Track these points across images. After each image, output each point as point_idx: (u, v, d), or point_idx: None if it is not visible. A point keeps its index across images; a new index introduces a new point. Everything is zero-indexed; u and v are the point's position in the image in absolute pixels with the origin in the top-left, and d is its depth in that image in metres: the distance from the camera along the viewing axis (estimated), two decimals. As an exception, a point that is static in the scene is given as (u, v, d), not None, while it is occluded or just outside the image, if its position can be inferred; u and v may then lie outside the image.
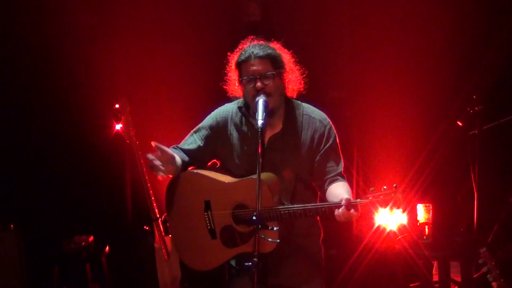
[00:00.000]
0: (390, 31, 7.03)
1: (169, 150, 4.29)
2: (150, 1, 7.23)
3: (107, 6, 7.08)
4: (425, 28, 6.93)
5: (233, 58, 4.35)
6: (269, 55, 4.24)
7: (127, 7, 7.14)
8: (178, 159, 4.32)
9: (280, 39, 4.40)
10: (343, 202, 4.00)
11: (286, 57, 4.33)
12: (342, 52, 7.24)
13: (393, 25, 7.01)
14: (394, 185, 3.99)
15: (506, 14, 6.73)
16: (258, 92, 4.20)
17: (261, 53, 4.24)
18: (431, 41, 6.92)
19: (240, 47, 4.36)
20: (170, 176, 4.38)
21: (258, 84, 4.21)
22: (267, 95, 4.21)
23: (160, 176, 4.26)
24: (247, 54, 4.25)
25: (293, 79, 4.34)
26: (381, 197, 3.99)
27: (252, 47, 4.28)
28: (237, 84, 4.34)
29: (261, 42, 4.33)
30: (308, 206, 4.13)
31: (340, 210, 4.01)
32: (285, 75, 4.31)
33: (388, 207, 3.99)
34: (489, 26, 6.79)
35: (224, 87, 4.41)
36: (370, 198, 4.00)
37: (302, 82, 4.36)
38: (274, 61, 4.25)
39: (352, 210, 4.00)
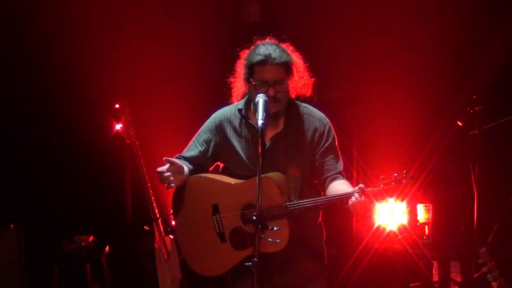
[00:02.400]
0: (390, 31, 7.03)
1: (178, 161, 4.29)
2: (150, 1, 7.23)
3: (107, 6, 7.08)
4: (425, 28, 6.93)
5: (245, 54, 4.27)
6: (285, 63, 4.17)
7: (127, 7, 7.14)
8: (186, 169, 4.31)
9: (281, 39, 4.38)
10: (357, 190, 3.99)
11: (298, 62, 4.28)
12: (342, 52, 7.23)
13: (393, 25, 7.01)
14: (404, 171, 3.99)
15: (506, 14, 6.73)
16: (268, 98, 4.15)
17: (277, 59, 4.15)
18: (431, 41, 6.93)
19: (255, 44, 4.26)
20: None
21: (271, 91, 4.15)
22: (277, 101, 4.18)
23: (171, 188, 4.27)
24: (263, 57, 4.15)
25: (301, 85, 4.31)
26: (392, 183, 3.99)
27: (268, 49, 4.18)
28: (242, 79, 4.28)
29: (274, 40, 4.26)
30: (319, 199, 4.13)
31: (354, 199, 4.00)
32: (293, 80, 4.27)
33: (399, 195, 3.99)
34: (489, 26, 6.79)
35: (230, 79, 4.37)
36: (382, 185, 4.01)
37: (310, 88, 4.33)
38: (289, 69, 4.20)
39: (365, 198, 3.99)
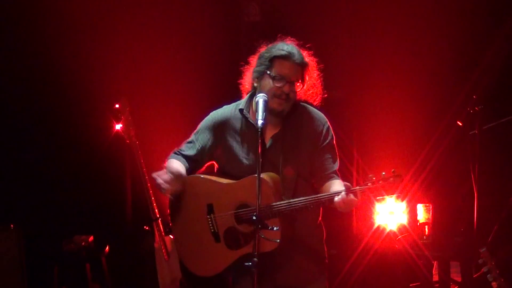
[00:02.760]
0: (390, 31, 7.03)
1: (180, 170, 4.28)
2: (150, 1, 7.23)
3: (107, 6, 7.08)
4: (425, 27, 6.93)
5: (263, 49, 4.31)
6: (305, 65, 4.25)
7: (127, 7, 7.14)
8: (184, 172, 4.33)
9: (302, 45, 4.37)
10: (343, 189, 4.02)
11: (313, 70, 4.31)
12: (342, 52, 7.24)
13: (393, 24, 7.01)
14: (393, 170, 4.01)
15: (506, 14, 6.73)
16: (281, 93, 4.19)
17: (300, 59, 4.23)
18: (431, 41, 6.92)
19: (275, 42, 4.31)
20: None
21: (287, 88, 4.20)
22: (288, 100, 4.21)
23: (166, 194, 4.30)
24: (287, 53, 4.22)
25: (310, 92, 4.32)
26: (380, 182, 4.00)
27: (293, 48, 4.25)
28: (254, 73, 4.29)
29: (296, 44, 4.30)
30: (308, 198, 4.14)
31: (340, 196, 4.03)
32: (304, 85, 4.30)
33: (387, 193, 4.01)
34: (489, 26, 6.79)
35: (243, 69, 4.38)
36: (369, 184, 4.02)
37: (319, 99, 4.35)
38: (305, 72, 4.26)
39: (352, 196, 4.00)
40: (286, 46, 4.25)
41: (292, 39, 4.35)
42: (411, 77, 6.98)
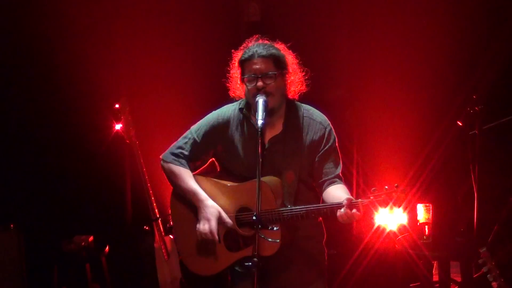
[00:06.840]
0: (390, 31, 7.03)
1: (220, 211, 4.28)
2: (150, 2, 7.23)
3: (107, 5, 7.08)
4: (425, 28, 6.93)
5: (237, 56, 4.33)
6: (272, 55, 4.22)
7: (127, 7, 7.14)
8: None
9: (281, 39, 4.39)
10: (345, 202, 4.00)
11: (290, 58, 4.30)
12: (342, 52, 7.24)
13: (393, 24, 7.02)
14: (396, 184, 3.99)
15: (506, 14, 6.73)
16: (259, 91, 4.20)
17: (264, 52, 4.22)
18: (431, 41, 6.93)
19: (244, 45, 4.34)
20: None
21: (259, 83, 4.19)
22: (268, 94, 4.19)
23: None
24: (250, 53, 4.24)
25: (296, 80, 4.31)
26: (382, 196, 3.98)
27: (256, 46, 4.26)
28: (239, 82, 4.33)
29: (266, 41, 4.32)
30: (310, 207, 4.13)
31: (342, 210, 4.00)
32: (287, 76, 4.29)
33: (388, 207, 3.99)
34: (489, 26, 6.79)
35: (227, 84, 4.40)
36: (372, 198, 4.00)
37: (305, 84, 4.35)
38: (277, 61, 4.23)
39: (354, 210, 3.99)
40: (250, 46, 4.28)
41: (264, 38, 4.34)
42: (411, 77, 6.98)
